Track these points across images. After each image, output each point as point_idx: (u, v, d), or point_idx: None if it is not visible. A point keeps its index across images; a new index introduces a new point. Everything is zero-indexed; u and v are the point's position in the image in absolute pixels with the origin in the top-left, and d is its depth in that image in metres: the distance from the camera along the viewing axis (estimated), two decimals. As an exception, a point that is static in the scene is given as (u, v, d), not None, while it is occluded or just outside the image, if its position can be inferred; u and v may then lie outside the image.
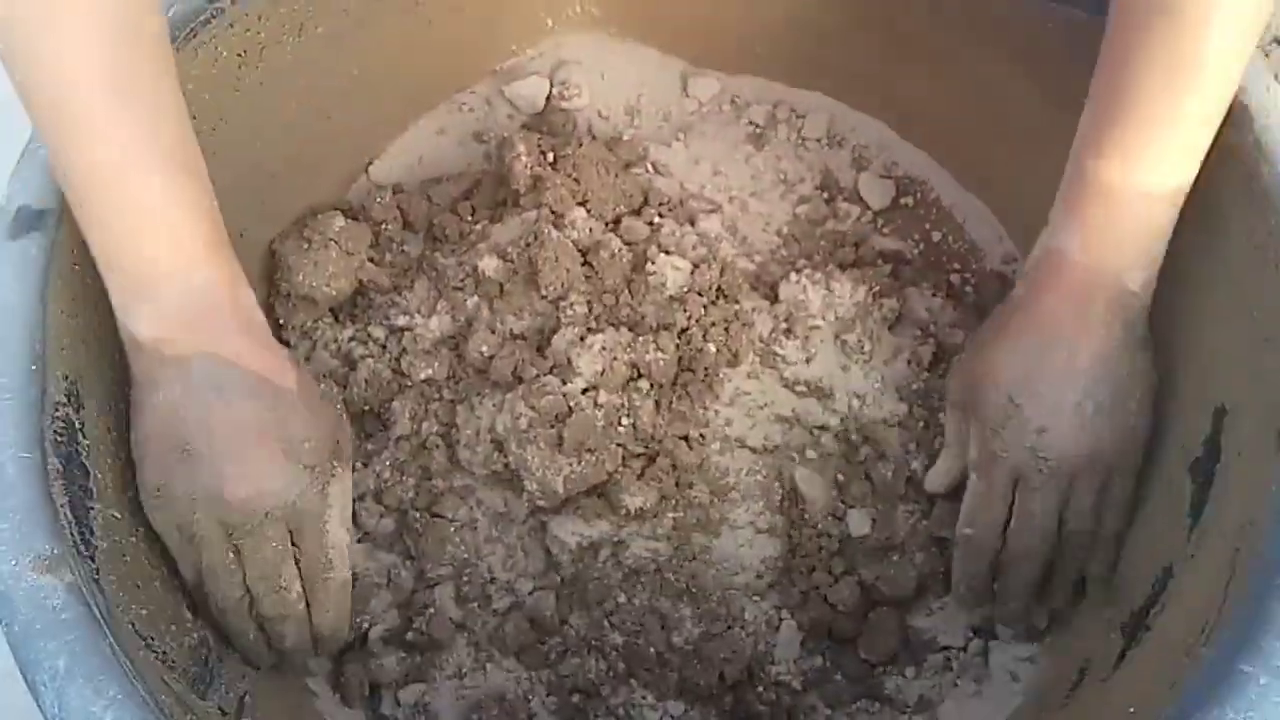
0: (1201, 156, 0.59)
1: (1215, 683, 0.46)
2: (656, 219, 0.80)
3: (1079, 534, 0.65)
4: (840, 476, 0.74)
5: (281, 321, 0.78)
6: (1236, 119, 0.59)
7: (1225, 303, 0.60)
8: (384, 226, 0.81)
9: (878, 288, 0.77)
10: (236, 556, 0.61)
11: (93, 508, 0.54)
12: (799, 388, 0.75)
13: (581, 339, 0.72)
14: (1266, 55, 0.94)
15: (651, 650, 0.70)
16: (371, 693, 0.71)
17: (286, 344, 0.77)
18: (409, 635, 0.71)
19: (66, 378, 0.56)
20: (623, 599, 0.71)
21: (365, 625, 0.70)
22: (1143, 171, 0.59)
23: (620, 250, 0.75)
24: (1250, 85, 0.59)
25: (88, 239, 0.56)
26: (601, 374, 0.71)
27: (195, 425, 0.58)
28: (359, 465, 0.74)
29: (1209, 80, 0.57)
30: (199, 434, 0.58)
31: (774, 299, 0.77)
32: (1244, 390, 0.58)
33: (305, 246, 0.77)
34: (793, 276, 0.77)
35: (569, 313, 0.74)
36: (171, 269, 0.57)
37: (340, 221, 0.78)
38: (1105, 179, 0.60)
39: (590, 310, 0.74)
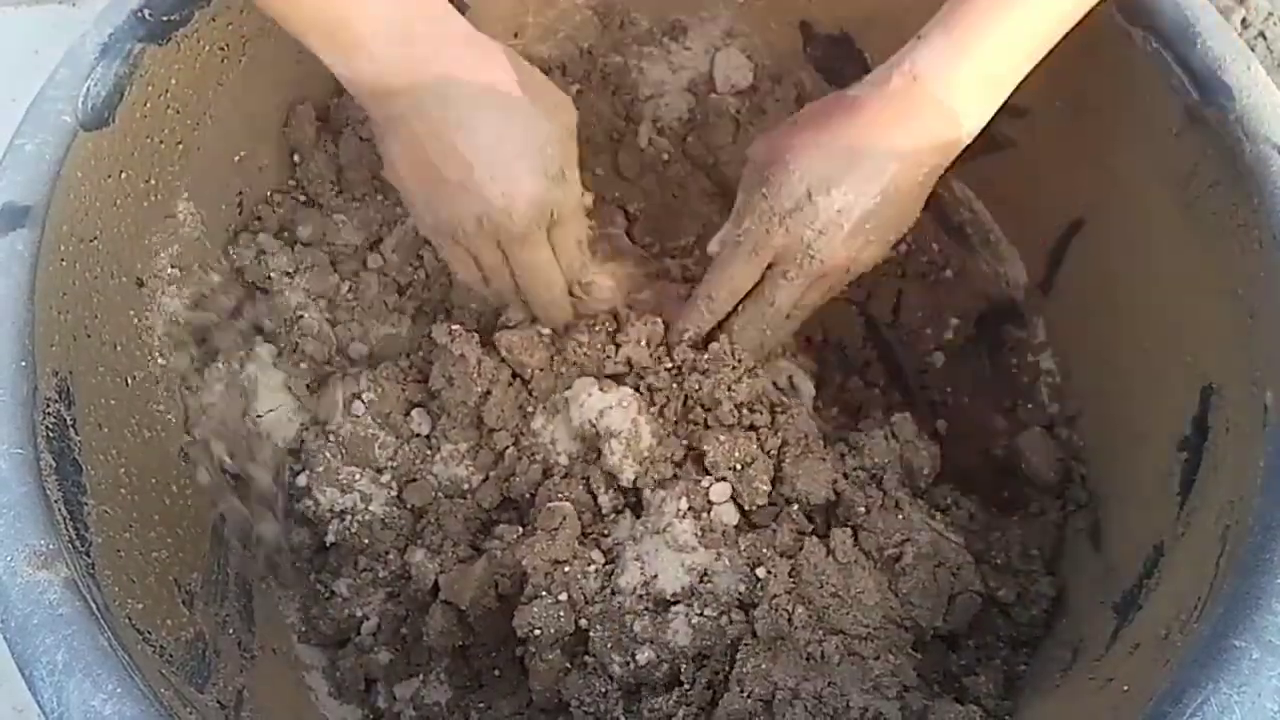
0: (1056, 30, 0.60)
1: (1208, 659, 0.46)
2: None
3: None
4: None
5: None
6: (1219, 97, 0.59)
7: (1210, 281, 0.61)
8: None
9: None
10: (506, 259, 0.67)
11: (86, 503, 0.54)
12: None
13: None
14: (1264, 37, 0.94)
15: None
16: (367, 686, 0.71)
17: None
18: (402, 629, 0.71)
19: (57, 374, 0.56)
20: None
21: (360, 619, 0.70)
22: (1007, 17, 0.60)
23: None
24: (1231, 65, 0.59)
25: (297, 29, 0.59)
26: None
27: (442, 155, 0.61)
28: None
29: None
30: (449, 162, 0.61)
31: None
32: (1231, 368, 0.58)
33: None
34: None
35: None
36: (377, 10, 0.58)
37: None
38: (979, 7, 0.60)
39: None
